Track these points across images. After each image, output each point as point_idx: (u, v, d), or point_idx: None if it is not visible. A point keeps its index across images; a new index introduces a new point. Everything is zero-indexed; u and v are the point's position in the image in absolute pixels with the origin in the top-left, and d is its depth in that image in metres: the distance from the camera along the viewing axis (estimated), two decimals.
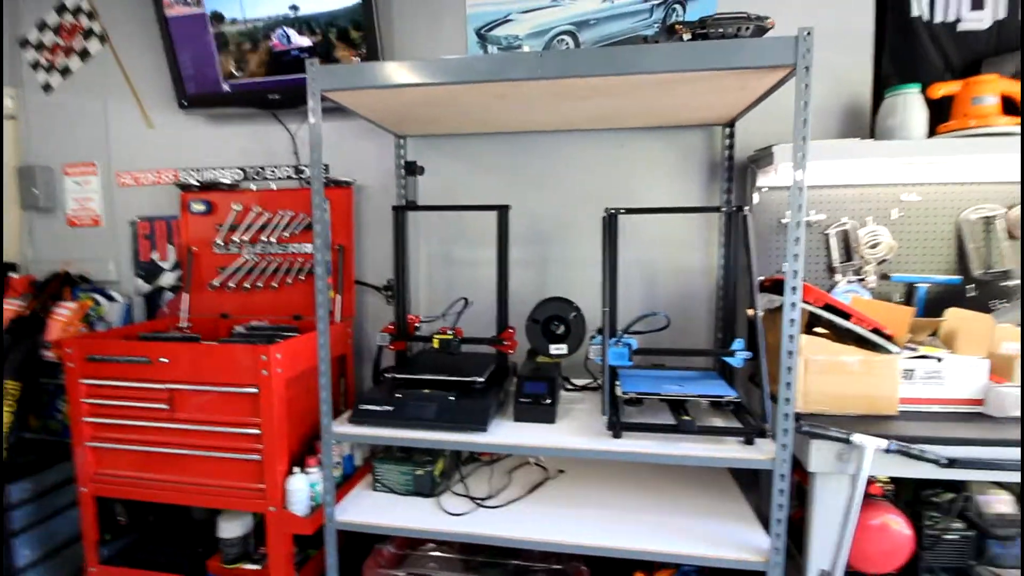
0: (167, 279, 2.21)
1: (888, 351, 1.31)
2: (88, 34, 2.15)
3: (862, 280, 1.66)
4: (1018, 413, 1.26)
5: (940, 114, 1.55)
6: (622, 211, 1.52)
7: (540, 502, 1.49)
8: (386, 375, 1.62)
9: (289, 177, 2.06)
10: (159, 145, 2.15)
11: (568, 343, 1.61)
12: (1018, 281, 1.59)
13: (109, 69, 2.15)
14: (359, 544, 1.60)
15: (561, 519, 1.39)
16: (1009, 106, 1.49)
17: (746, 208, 1.43)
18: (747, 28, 1.21)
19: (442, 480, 1.58)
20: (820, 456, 1.22)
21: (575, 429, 1.38)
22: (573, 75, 1.20)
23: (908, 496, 1.37)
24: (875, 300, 1.61)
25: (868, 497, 1.32)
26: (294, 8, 1.82)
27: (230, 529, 1.67)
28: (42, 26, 2.19)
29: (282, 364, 1.52)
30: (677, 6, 1.76)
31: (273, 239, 1.99)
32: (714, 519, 1.38)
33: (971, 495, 1.34)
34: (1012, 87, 1.50)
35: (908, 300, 1.65)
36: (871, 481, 1.32)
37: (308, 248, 1.99)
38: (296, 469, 1.56)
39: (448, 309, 1.76)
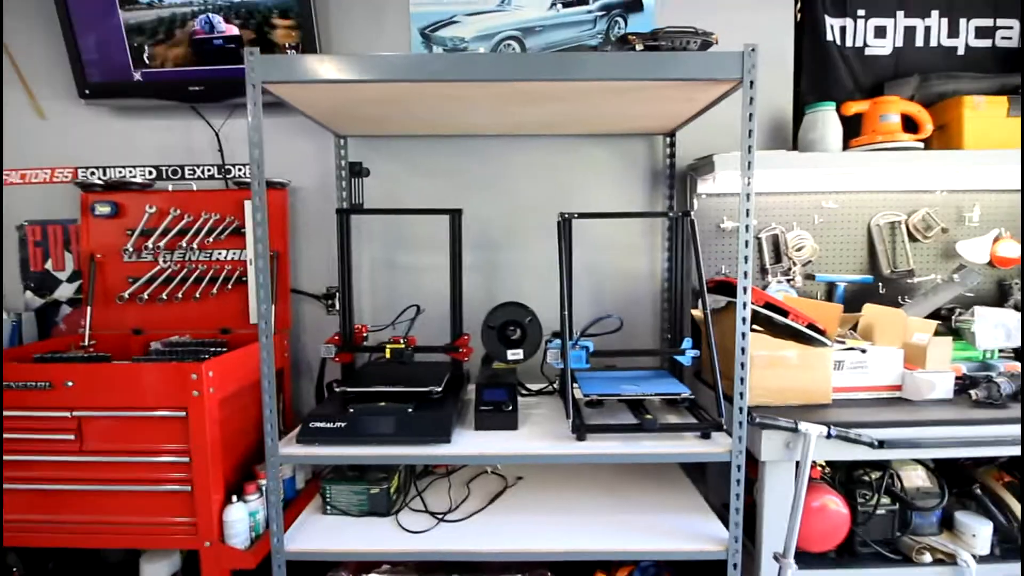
0: (64, 291, 1.94)
1: (823, 344, 1.42)
2: None
3: (790, 280, 1.79)
4: (933, 396, 1.42)
5: (851, 130, 1.71)
6: (576, 215, 1.54)
7: (501, 511, 1.46)
8: (334, 389, 1.52)
9: (212, 177, 1.89)
10: (54, 139, 1.89)
11: (525, 348, 1.59)
12: (921, 279, 1.80)
13: None
14: (306, 573, 1.48)
15: (523, 527, 1.37)
16: (908, 124, 1.68)
17: (692, 213, 1.49)
18: (695, 42, 1.26)
19: (398, 497, 1.50)
20: (770, 445, 1.29)
21: (538, 434, 1.37)
22: (530, 78, 1.20)
23: (842, 477, 1.49)
24: (803, 298, 1.74)
25: (809, 481, 1.42)
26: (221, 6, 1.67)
27: (155, 571, 1.49)
28: None
29: (215, 383, 1.37)
30: (619, 19, 1.82)
31: (195, 245, 1.81)
32: (672, 513, 1.43)
33: (896, 473, 1.48)
34: (911, 107, 1.69)
35: (829, 297, 1.81)
36: (812, 466, 1.41)
37: (236, 254, 1.83)
38: (234, 498, 1.42)
39: (399, 317, 1.68)
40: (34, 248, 1.93)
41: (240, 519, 1.40)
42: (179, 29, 1.72)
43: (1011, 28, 1.83)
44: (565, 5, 1.81)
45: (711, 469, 1.72)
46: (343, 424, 1.32)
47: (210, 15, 1.69)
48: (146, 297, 1.82)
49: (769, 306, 1.45)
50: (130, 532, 1.40)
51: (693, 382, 1.77)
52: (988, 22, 1.83)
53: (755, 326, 1.58)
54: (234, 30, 1.71)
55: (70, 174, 1.90)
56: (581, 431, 1.31)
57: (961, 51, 1.84)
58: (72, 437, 1.38)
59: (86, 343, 1.77)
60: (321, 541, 1.33)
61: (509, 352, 1.59)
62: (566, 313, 1.41)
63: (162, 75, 1.76)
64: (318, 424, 1.33)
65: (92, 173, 1.89)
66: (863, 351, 1.47)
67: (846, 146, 1.71)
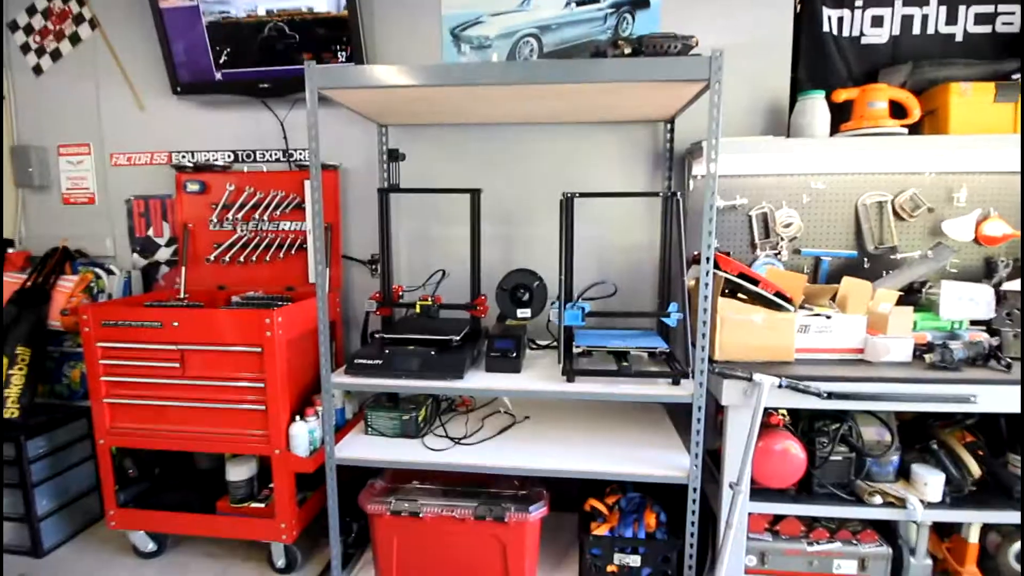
0: (163, 254, 2.38)
1: (787, 310, 1.62)
2: (78, 19, 2.26)
3: (778, 255, 1.98)
4: (890, 358, 1.60)
5: (843, 115, 1.85)
6: (577, 195, 1.79)
7: (508, 440, 1.77)
8: (374, 336, 1.86)
9: (278, 160, 2.25)
10: (152, 128, 2.29)
11: (532, 308, 1.88)
12: (904, 255, 1.94)
13: (100, 54, 2.27)
14: (352, 485, 1.86)
15: (525, 452, 1.68)
16: (896, 110, 1.80)
17: (679, 193, 1.71)
18: (675, 46, 1.47)
19: (425, 425, 1.84)
20: (730, 392, 1.53)
21: (536, 377, 1.66)
22: (534, 82, 1.45)
23: (805, 427, 1.71)
24: (784, 270, 1.93)
25: (771, 428, 1.65)
26: (285, 11, 1.99)
27: (237, 472, 1.91)
28: (32, 10, 2.28)
29: (283, 327, 1.74)
30: (627, 15, 2.01)
31: (265, 217, 2.19)
32: (650, 447, 1.70)
33: (853, 424, 1.68)
34: (899, 94, 1.81)
35: (815, 271, 1.98)
36: (773, 413, 1.64)
37: (298, 225, 2.19)
38: (297, 418, 1.80)
39: (428, 279, 2.00)
40: (139, 218, 2.37)
41: (301, 434, 1.78)
42: (250, 36, 2.05)
43: (1013, 13, 1.89)
44: (578, 3, 2.01)
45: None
46: (380, 361, 1.66)
47: (276, 21, 2.01)
48: (228, 260, 2.22)
49: (743, 276, 1.66)
50: (220, 440, 1.81)
51: (684, 342, 2.01)
52: (989, 8, 1.90)
53: (741, 295, 1.80)
54: (295, 38, 2.03)
55: (166, 157, 2.31)
56: (571, 374, 1.60)
57: (959, 37, 1.92)
58: (177, 365, 1.79)
59: (182, 295, 2.20)
60: (363, 452, 1.69)
61: (519, 311, 1.89)
62: (564, 278, 1.67)
63: (237, 75, 2.11)
64: (361, 360, 1.67)
65: (183, 156, 2.29)
66: (828, 317, 1.66)
67: (835, 131, 1.86)
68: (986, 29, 1.91)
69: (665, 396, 1.53)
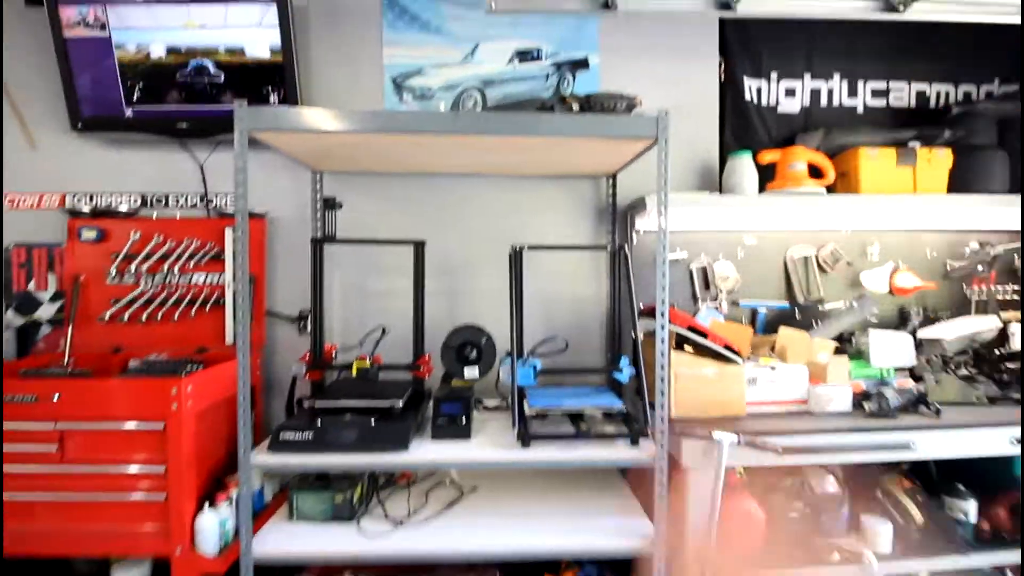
0: (46, 311, 2.03)
1: (736, 363, 1.63)
2: None
3: (718, 307, 2.02)
4: (832, 408, 1.63)
5: (767, 175, 1.97)
6: (527, 247, 1.74)
7: (456, 517, 1.60)
8: (303, 404, 1.65)
9: (194, 206, 2.03)
10: (43, 168, 2.01)
11: (480, 366, 1.77)
12: (830, 305, 2.04)
13: None
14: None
15: (475, 530, 1.51)
16: (813, 171, 1.95)
17: (626, 247, 1.71)
18: (621, 104, 1.50)
19: (361, 505, 1.63)
20: (690, 452, 1.48)
21: (488, 443, 1.53)
22: (483, 133, 1.40)
23: (760, 484, 1.69)
24: (727, 322, 1.97)
25: (729, 487, 1.61)
26: (210, 50, 1.85)
27: None
28: None
29: (193, 397, 1.50)
30: (568, 75, 2.06)
31: (176, 269, 1.94)
32: (607, 515, 1.59)
33: (805, 479, 1.68)
34: (815, 157, 1.96)
35: (752, 322, 2.04)
36: (731, 471, 1.61)
37: (215, 278, 1.96)
38: (205, 506, 1.53)
39: (366, 337, 1.84)
40: (18, 270, 2.03)
41: (211, 526, 1.50)
42: (170, 72, 1.89)
43: (902, 89, 2.14)
44: (521, 61, 2.04)
45: (648, 475, 1.90)
46: (311, 434, 1.46)
47: (199, 59, 1.86)
48: (127, 318, 1.93)
49: (692, 329, 1.66)
50: (106, 539, 1.49)
51: (633, 398, 1.97)
52: (882, 84, 2.14)
53: (686, 347, 1.79)
54: (220, 75, 1.88)
55: (58, 200, 2.01)
56: (526, 439, 1.48)
57: (860, 109, 2.15)
58: (54, 449, 1.48)
59: (66, 361, 1.87)
60: (287, 545, 1.45)
61: (466, 370, 1.76)
62: (515, 334, 1.59)
63: (152, 113, 1.91)
64: (288, 435, 1.46)
65: (80, 200, 2.01)
66: (772, 368, 1.68)
67: (762, 189, 1.97)
68: (881, 103, 2.15)
69: (626, 460, 1.45)
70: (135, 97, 1.90)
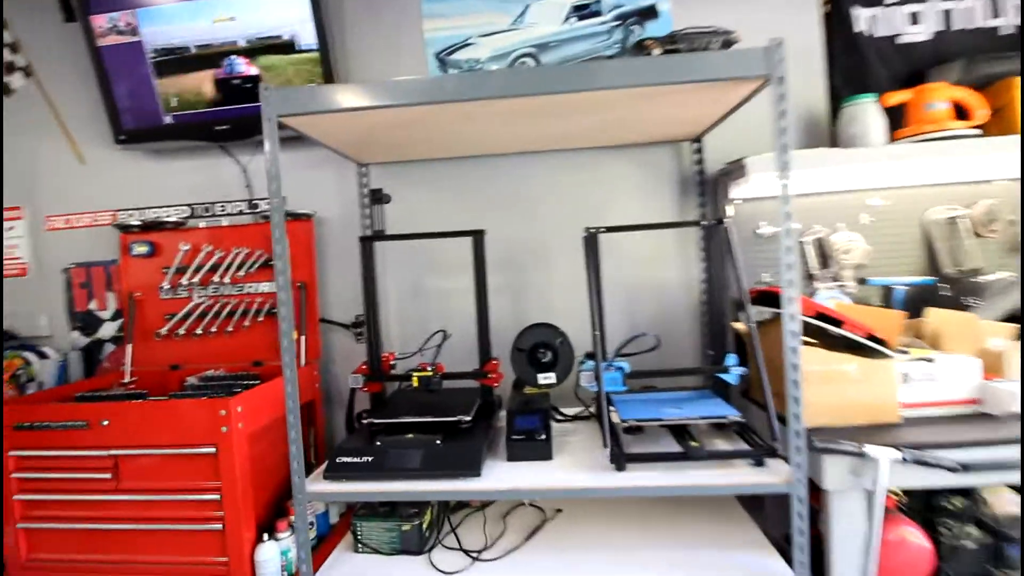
0: (107, 330, 2.00)
1: (885, 356, 1.28)
2: (10, 68, 1.97)
3: (841, 286, 1.66)
4: (1017, 408, 1.26)
5: (892, 122, 1.59)
6: (602, 230, 1.47)
7: (541, 548, 1.37)
8: (362, 421, 1.48)
9: (242, 212, 1.92)
10: (94, 184, 1.97)
11: (556, 371, 1.52)
12: (989, 277, 1.63)
13: (35, 104, 1.97)
14: None
15: (566, 565, 1.28)
16: (959, 111, 1.54)
17: (726, 220, 1.40)
18: (716, 42, 1.19)
19: (431, 533, 1.43)
20: (834, 473, 1.16)
21: (574, 464, 1.29)
22: (546, 92, 1.15)
23: (919, 505, 1.34)
24: (859, 305, 1.61)
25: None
26: (242, 43, 1.71)
27: None
28: None
29: (244, 418, 1.36)
30: (635, 27, 1.76)
31: (227, 279, 1.83)
32: (727, 549, 1.30)
33: (983, 498, 1.31)
34: (959, 93, 1.56)
35: (886, 303, 1.66)
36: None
37: (266, 287, 1.84)
38: (265, 536, 1.38)
39: (426, 343, 1.64)
40: (79, 289, 2.00)
41: (271, 558, 1.36)
42: (203, 72, 1.77)
43: None
44: (580, 18, 1.77)
45: (771, 500, 1.58)
46: (370, 458, 1.28)
47: (232, 57, 1.73)
48: (182, 333, 1.85)
49: (821, 316, 1.33)
50: (164, 573, 1.39)
51: (742, 402, 1.65)
52: None
53: (806, 338, 1.46)
54: (254, 70, 1.75)
55: (110, 217, 1.97)
56: (620, 461, 1.22)
57: (1006, 30, 1.70)
58: (109, 476, 1.38)
59: (127, 380, 1.81)
60: None
61: (540, 376, 1.52)
62: (598, 333, 1.33)
63: (190, 117, 1.81)
64: (345, 459, 1.29)
65: (130, 215, 1.95)
66: (930, 360, 1.32)
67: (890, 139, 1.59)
68: None
69: (751, 486, 1.16)
70: (173, 103, 1.80)
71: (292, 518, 1.43)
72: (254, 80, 1.75)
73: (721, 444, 1.31)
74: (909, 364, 1.32)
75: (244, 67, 1.76)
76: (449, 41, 1.81)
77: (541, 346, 1.53)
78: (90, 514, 1.40)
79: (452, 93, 1.17)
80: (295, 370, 1.24)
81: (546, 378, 1.52)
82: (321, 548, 1.51)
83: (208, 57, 1.75)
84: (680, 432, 1.33)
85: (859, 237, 1.65)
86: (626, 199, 1.80)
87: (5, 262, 2.03)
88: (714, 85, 1.17)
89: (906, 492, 1.31)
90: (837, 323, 1.32)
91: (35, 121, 1.97)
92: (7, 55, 1.97)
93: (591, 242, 1.45)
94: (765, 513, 1.59)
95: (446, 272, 1.86)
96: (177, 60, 1.76)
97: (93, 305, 2.00)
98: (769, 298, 1.45)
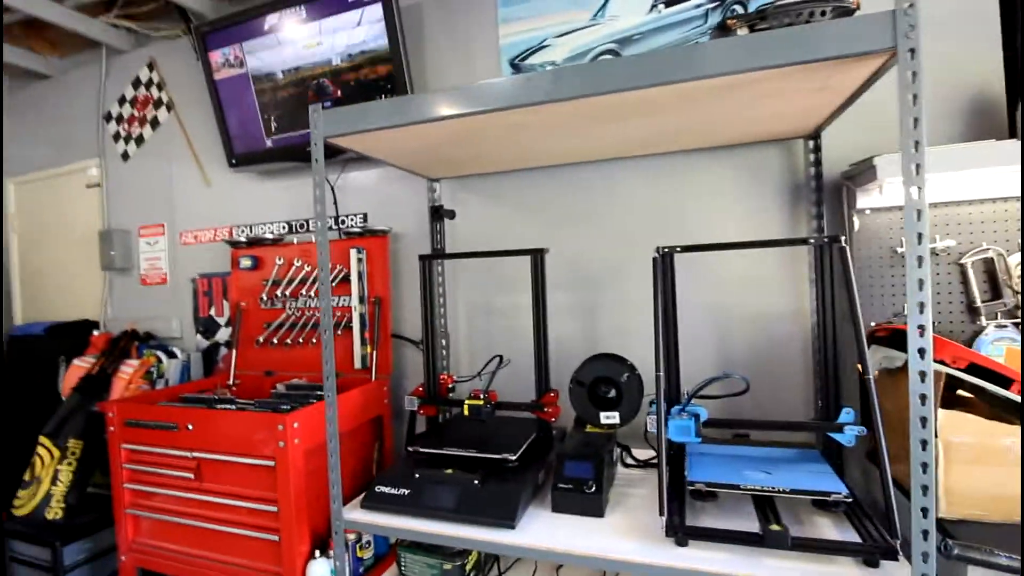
0: (223, 334, 2.23)
1: None
2: (158, 103, 2.30)
3: (1018, 324, 1.23)
4: None
5: None
6: (678, 249, 1.25)
7: None
8: (408, 448, 1.43)
9: (331, 228, 2.01)
10: (215, 204, 2.21)
11: (621, 410, 1.33)
12: None
13: (174, 134, 2.27)
14: None
15: None
16: None
17: (842, 239, 1.10)
18: (824, 12, 0.93)
19: (476, 574, 1.34)
20: None
21: (630, 527, 1.10)
22: (599, 92, 0.99)
23: None
24: None
25: None
26: (327, 65, 1.79)
27: None
28: (122, 100, 2.38)
29: (300, 434, 1.39)
30: (737, 6, 1.50)
31: (312, 293, 1.93)
32: None
33: None
34: None
35: None
36: None
37: (345, 300, 1.90)
38: (317, 552, 1.40)
39: (484, 367, 1.56)
40: (203, 297, 2.27)
41: (321, 575, 1.37)
42: (294, 97, 1.88)
43: None
44: (667, 4, 1.55)
45: None
46: (407, 491, 1.22)
47: (320, 80, 1.81)
48: (275, 342, 1.99)
49: (977, 369, 0.98)
50: (231, 574, 1.47)
51: (864, 465, 1.31)
52: None
53: (963, 393, 1.10)
54: (339, 92, 1.81)
55: (227, 233, 2.19)
56: (679, 534, 1.01)
57: None
58: (192, 476, 1.51)
59: (231, 383, 1.99)
60: None
61: (602, 415, 1.35)
62: (661, 374, 1.12)
63: (286, 140, 1.94)
64: (383, 489, 1.24)
65: (242, 231, 2.16)
66: None
67: None
68: None
69: None
70: (272, 127, 1.94)
71: (350, 536, 1.44)
72: (338, 102, 1.82)
73: (825, 525, 1.02)
74: None
75: (331, 89, 1.83)
76: (524, 45, 1.71)
77: (604, 380, 1.36)
78: (178, 508, 1.54)
79: (492, 102, 1.06)
80: (335, 395, 1.23)
81: (608, 417, 1.34)
82: (375, 569, 1.50)
83: (301, 81, 1.85)
84: (767, 505, 1.06)
85: None
86: (722, 210, 1.53)
87: (151, 272, 2.37)
88: (819, 67, 0.91)
89: None
90: (1003, 381, 0.96)
91: (175, 149, 2.27)
92: (155, 92, 2.30)
93: (663, 263, 1.24)
94: None
95: (514, 290, 1.76)
96: (273, 86, 1.89)
97: (213, 312, 2.25)
98: (902, 338, 1.11)
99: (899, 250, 1.32)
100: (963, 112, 1.34)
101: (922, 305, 0.82)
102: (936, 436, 0.95)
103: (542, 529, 1.11)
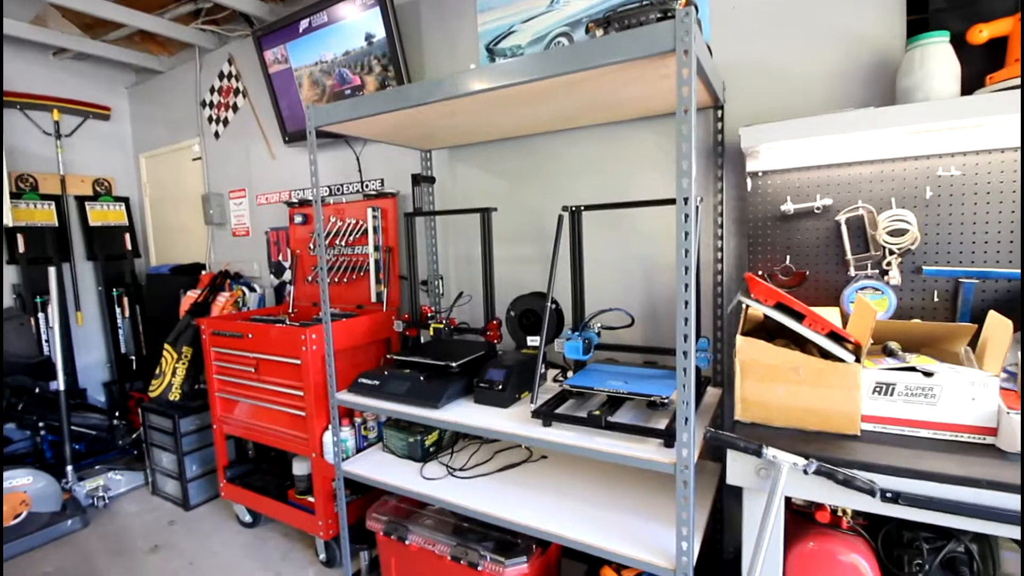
0: (287, 275, 2.86)
1: (841, 360, 1.12)
2: (237, 92, 2.89)
3: (885, 275, 1.39)
4: None
5: (989, 63, 1.22)
6: (583, 207, 1.56)
7: (507, 480, 1.62)
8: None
9: (356, 191, 2.50)
10: (278, 172, 2.79)
11: (542, 335, 1.69)
12: None
13: (249, 117, 2.86)
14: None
15: (516, 498, 1.51)
16: None
17: (699, 199, 1.35)
18: (652, 15, 1.16)
19: (433, 450, 1.81)
20: (738, 469, 1.13)
21: (521, 415, 1.49)
22: (495, 87, 1.30)
23: (892, 536, 1.16)
24: (881, 299, 1.34)
25: (822, 526, 1.16)
26: (345, 52, 2.22)
27: (299, 467, 2.17)
28: (212, 89, 3.01)
29: (316, 343, 1.92)
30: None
31: (342, 243, 2.45)
32: (643, 519, 1.36)
33: (980, 547, 1.08)
34: None
35: (953, 299, 1.33)
36: (819, 507, 1.15)
37: (366, 249, 2.40)
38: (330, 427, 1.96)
39: (455, 302, 1.97)
40: (273, 246, 2.90)
41: (329, 442, 1.93)
42: (326, 84, 2.34)
43: None
44: None
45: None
46: (378, 382, 1.70)
47: (340, 69, 2.25)
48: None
49: (780, 307, 1.22)
50: (283, 438, 2.09)
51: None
52: None
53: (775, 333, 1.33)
54: (358, 80, 2.24)
55: (288, 196, 2.77)
56: (545, 418, 1.38)
57: None
58: (253, 370, 2.13)
59: (291, 311, 2.61)
60: (368, 470, 1.74)
61: (528, 338, 1.72)
62: (551, 304, 1.46)
63: None
64: (364, 380, 1.74)
65: (296, 194, 2.72)
66: (928, 374, 1.09)
67: (977, 86, 1.24)
68: None
69: (646, 462, 1.20)
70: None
71: (357, 419, 1.97)
72: (357, 89, 2.25)
73: (650, 421, 1.33)
74: (893, 374, 1.12)
75: (350, 77, 2.26)
76: (496, 32, 2.00)
77: (530, 312, 1.72)
78: (246, 392, 2.18)
79: (415, 99, 1.41)
80: (329, 322, 1.73)
81: (533, 341, 1.71)
82: (375, 444, 2.04)
83: (325, 72, 2.31)
84: (614, 403, 1.39)
85: (910, 215, 1.34)
86: (651, 172, 1.77)
87: (239, 226, 3.04)
88: (645, 63, 1.16)
89: (868, 517, 1.15)
90: (798, 316, 1.19)
91: (249, 129, 2.87)
92: (235, 83, 2.89)
93: (571, 220, 1.55)
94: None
95: (506, 242, 2.12)
96: (306, 76, 2.37)
97: (280, 257, 2.88)
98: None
99: (783, 207, 1.50)
100: (863, 77, 1.46)
101: (686, 252, 1.09)
102: (735, 356, 1.22)
103: (460, 412, 1.54)
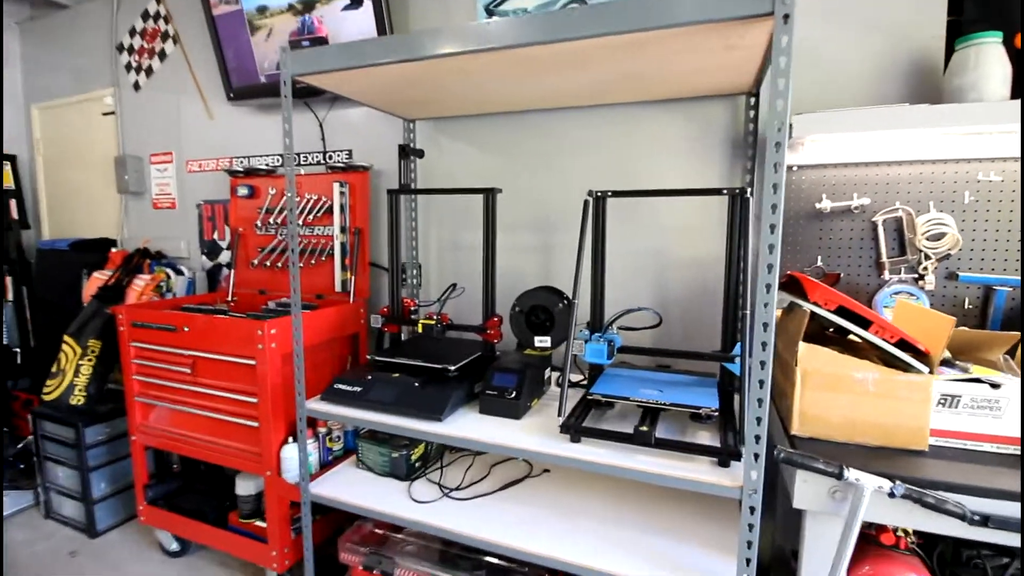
0: (224, 256, 2.45)
1: (916, 370, 1.04)
2: (164, 36, 2.42)
3: (920, 280, 1.34)
4: None
5: None
6: (609, 194, 1.39)
7: (511, 499, 1.42)
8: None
9: (318, 162, 2.16)
10: (217, 135, 2.37)
11: (553, 335, 1.51)
12: None
13: (180, 67, 2.41)
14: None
15: (524, 522, 1.32)
16: None
17: (748, 191, 1.22)
18: None
19: (420, 465, 1.57)
20: (807, 491, 1.01)
21: (539, 427, 1.29)
22: (517, 44, 1.09)
23: (947, 555, 1.10)
24: (926, 307, 1.30)
25: (880, 547, 1.08)
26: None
27: (245, 487, 1.83)
28: (132, 31, 2.51)
29: (276, 340, 1.60)
30: None
31: (299, 221, 2.11)
32: (694, 547, 1.22)
33: None
34: None
35: (984, 307, 1.31)
36: (883, 529, 1.07)
37: (329, 230, 2.08)
38: (290, 439, 1.65)
39: (443, 295, 1.73)
40: (207, 222, 2.47)
41: (292, 457, 1.62)
42: (285, 31, 1.99)
43: None
44: None
45: (784, 505, 1.42)
46: (359, 388, 1.43)
47: (306, 16, 1.92)
48: (268, 264, 2.19)
49: (843, 311, 1.12)
50: (224, 452, 1.74)
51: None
52: None
53: (832, 339, 1.24)
54: (323, 31, 1.91)
55: (228, 163, 2.36)
56: (573, 433, 1.20)
57: None
58: (188, 371, 1.76)
59: (229, 299, 2.22)
60: (342, 492, 1.47)
61: (536, 339, 1.53)
62: (576, 301, 1.28)
63: (276, 75, 2.06)
64: (340, 386, 1.46)
65: (240, 162, 2.33)
66: (994, 385, 1.04)
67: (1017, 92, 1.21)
68: None
69: (701, 483, 1.06)
70: (265, 63, 2.06)
71: (321, 429, 1.68)
72: (319, 41, 1.92)
73: (696, 436, 1.20)
74: (960, 385, 1.05)
75: (317, 26, 1.93)
76: None
77: (540, 309, 1.52)
78: (178, 398, 1.80)
79: (414, 51, 1.17)
80: (299, 313, 1.43)
81: (542, 341, 1.52)
82: (334, 462, 1.75)
83: (288, 16, 1.96)
84: (651, 415, 1.24)
85: (950, 219, 1.30)
86: (670, 160, 1.64)
87: (162, 196, 2.57)
88: (712, 27, 1.00)
89: (923, 535, 1.08)
90: (864, 323, 1.09)
91: (181, 82, 2.41)
92: (163, 25, 2.42)
93: (595, 206, 1.38)
94: (776, 522, 1.44)
95: (479, 228, 1.91)
96: (265, 21, 2.00)
97: (216, 235, 2.46)
98: (795, 285, 1.24)
99: (819, 205, 1.42)
100: (904, 73, 1.40)
101: (771, 247, 0.95)
102: (796, 364, 1.10)
103: (466, 424, 1.32)
